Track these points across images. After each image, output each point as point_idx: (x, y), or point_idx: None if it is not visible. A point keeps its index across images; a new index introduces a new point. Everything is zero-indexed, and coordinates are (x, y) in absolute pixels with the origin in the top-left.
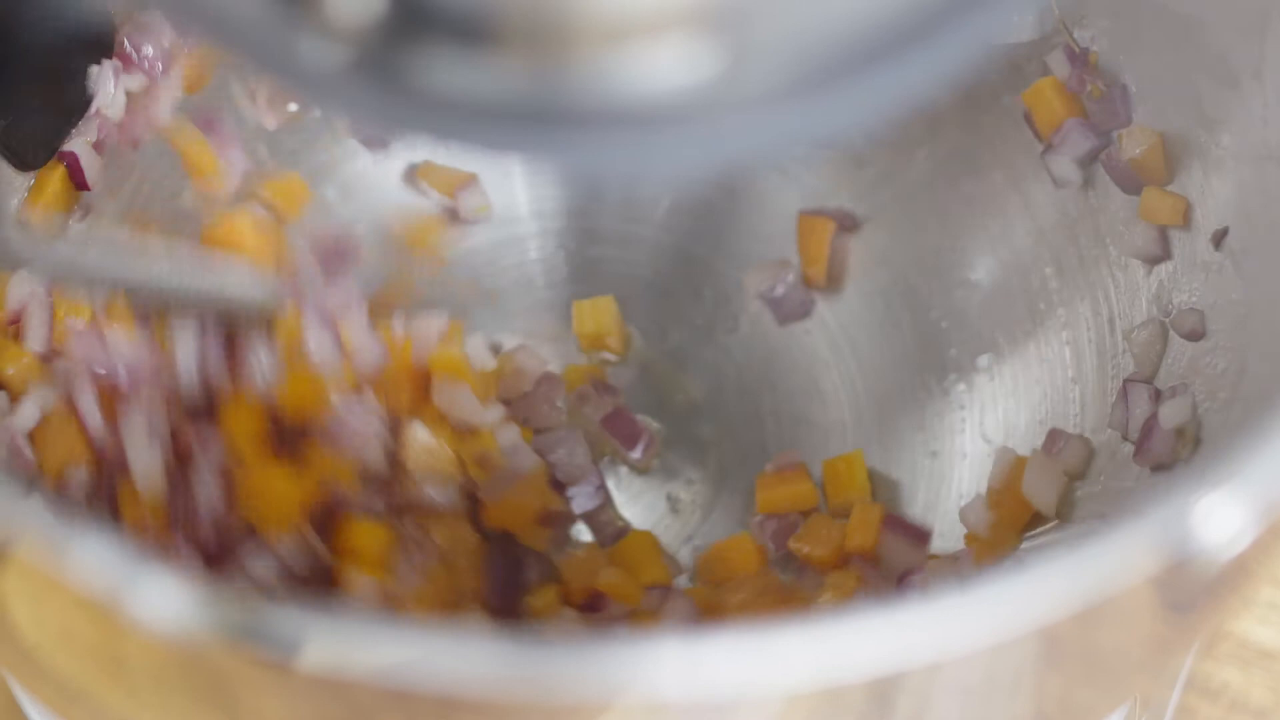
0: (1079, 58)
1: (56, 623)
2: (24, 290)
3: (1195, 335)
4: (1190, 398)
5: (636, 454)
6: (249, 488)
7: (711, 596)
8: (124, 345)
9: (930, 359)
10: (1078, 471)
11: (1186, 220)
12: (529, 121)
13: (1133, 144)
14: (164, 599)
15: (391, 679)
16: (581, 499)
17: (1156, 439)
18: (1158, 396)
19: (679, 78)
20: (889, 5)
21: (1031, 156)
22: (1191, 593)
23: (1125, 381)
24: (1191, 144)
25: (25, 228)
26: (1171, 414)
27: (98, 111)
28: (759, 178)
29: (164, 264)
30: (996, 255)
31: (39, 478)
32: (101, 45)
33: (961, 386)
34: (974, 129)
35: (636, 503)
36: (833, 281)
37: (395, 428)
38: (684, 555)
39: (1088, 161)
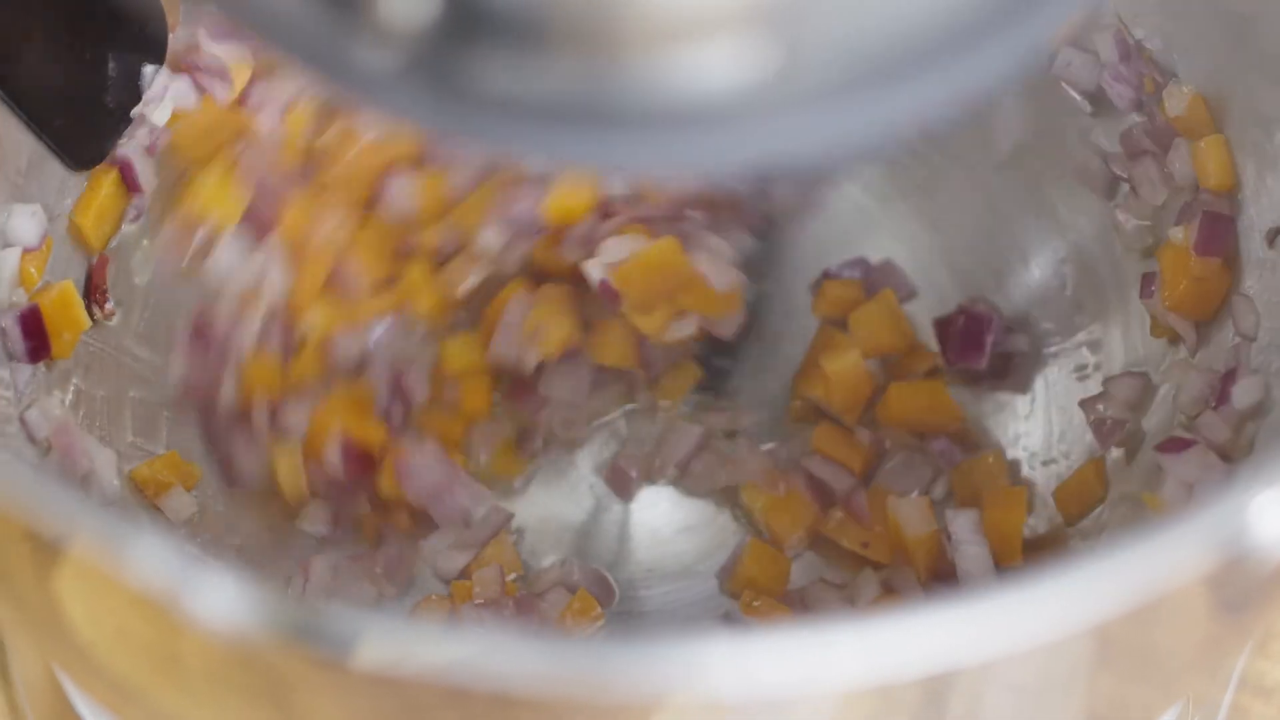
0: (1133, 51)
1: (112, 620)
2: None
3: (1249, 334)
4: (1263, 378)
5: None
6: None
7: None
8: None
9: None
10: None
11: (1236, 180)
12: (582, 123)
13: (1175, 103)
14: (220, 597)
15: (446, 677)
16: None
17: (1223, 414)
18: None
19: (732, 78)
20: (944, 5)
21: (1089, 157)
22: (1245, 591)
23: None
24: (1246, 142)
25: None
26: (1244, 394)
27: (148, 116)
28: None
29: None
30: (1054, 250)
31: None
32: (155, 46)
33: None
34: (1035, 123)
35: None
36: None
37: None
38: None
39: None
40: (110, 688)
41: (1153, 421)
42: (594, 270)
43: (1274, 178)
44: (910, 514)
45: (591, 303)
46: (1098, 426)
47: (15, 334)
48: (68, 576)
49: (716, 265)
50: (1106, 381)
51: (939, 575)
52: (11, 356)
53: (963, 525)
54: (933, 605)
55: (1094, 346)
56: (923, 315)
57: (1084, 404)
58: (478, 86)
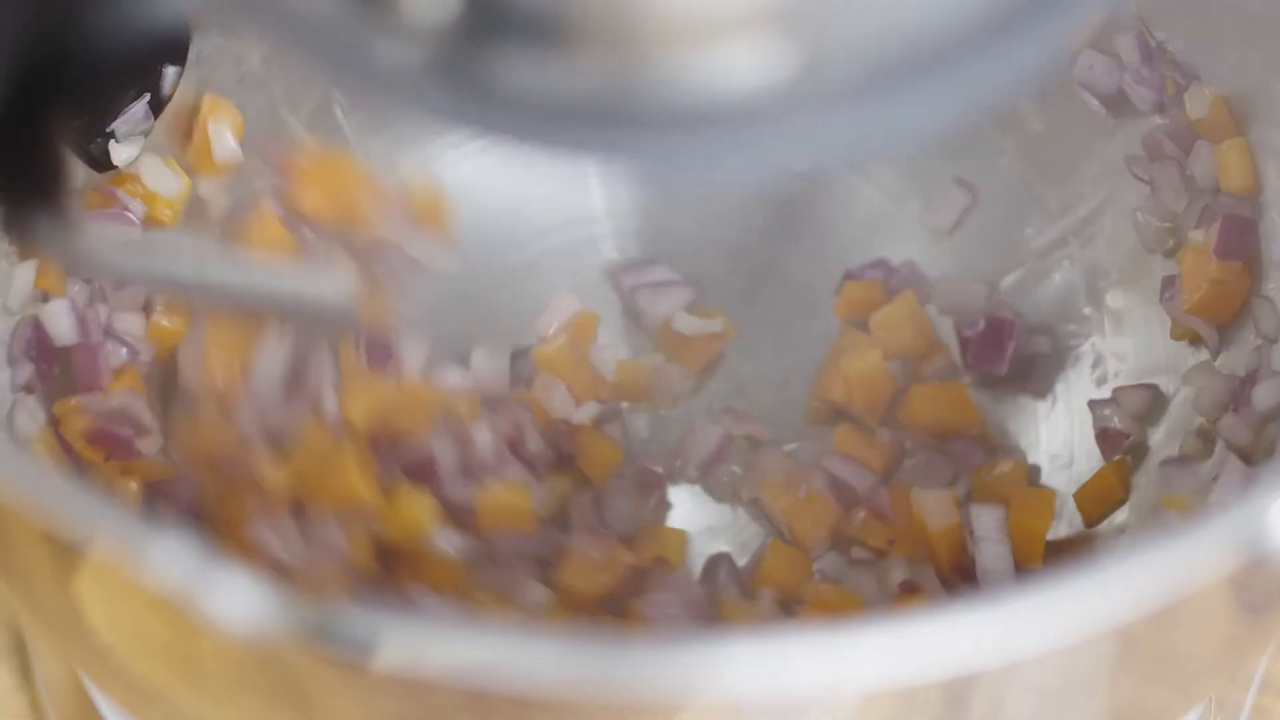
0: (1154, 52)
1: (131, 622)
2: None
3: (1270, 336)
4: None
5: None
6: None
7: None
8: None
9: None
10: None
11: (1258, 183)
12: (604, 122)
13: (1197, 105)
14: (239, 598)
15: (466, 679)
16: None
17: (1244, 416)
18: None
19: (755, 78)
20: (965, 6)
21: (1116, 160)
22: (1267, 593)
23: None
24: (1268, 145)
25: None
26: (1265, 395)
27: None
28: (836, 177)
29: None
30: (1079, 250)
31: None
32: (177, 48)
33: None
34: (1056, 125)
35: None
36: None
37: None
38: None
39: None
40: (130, 689)
41: (1159, 435)
42: (579, 414)
43: None
44: (934, 506)
45: (563, 477)
46: (1101, 435)
47: (20, 357)
48: (87, 579)
49: (559, 300)
50: (1116, 391)
51: (960, 570)
52: (16, 387)
53: (987, 523)
54: (954, 607)
55: (1114, 349)
56: (944, 317)
57: (1093, 405)
58: (499, 84)
